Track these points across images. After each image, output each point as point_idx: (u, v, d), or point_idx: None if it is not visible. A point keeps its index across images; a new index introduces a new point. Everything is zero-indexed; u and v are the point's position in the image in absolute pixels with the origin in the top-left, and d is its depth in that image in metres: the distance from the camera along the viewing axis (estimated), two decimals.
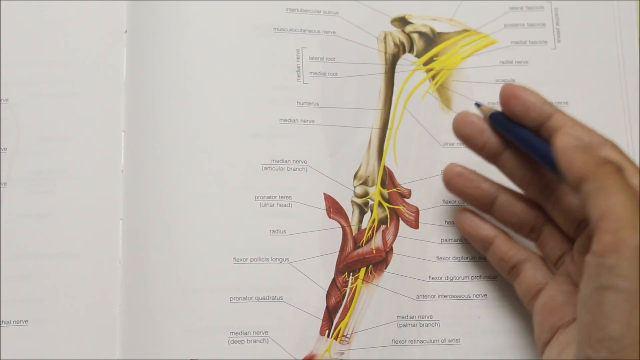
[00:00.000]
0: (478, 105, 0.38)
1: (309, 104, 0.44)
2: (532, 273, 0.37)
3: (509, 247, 0.38)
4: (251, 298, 0.41)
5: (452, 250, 0.43)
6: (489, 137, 0.37)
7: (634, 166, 0.33)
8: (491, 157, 0.38)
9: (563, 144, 0.31)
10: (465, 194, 0.39)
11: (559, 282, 0.36)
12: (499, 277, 0.42)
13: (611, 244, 0.28)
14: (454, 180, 0.39)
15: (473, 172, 0.39)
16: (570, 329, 0.34)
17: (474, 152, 0.38)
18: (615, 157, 0.33)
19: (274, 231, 0.42)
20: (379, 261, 0.42)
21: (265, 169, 0.42)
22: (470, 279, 0.43)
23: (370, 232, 0.43)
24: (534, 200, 0.38)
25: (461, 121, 0.38)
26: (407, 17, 0.46)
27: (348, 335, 0.41)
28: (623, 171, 0.30)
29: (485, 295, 0.42)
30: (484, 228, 0.39)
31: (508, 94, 0.36)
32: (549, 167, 0.34)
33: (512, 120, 0.36)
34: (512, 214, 0.38)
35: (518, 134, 0.36)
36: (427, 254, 0.43)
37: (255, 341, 0.40)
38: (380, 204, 0.43)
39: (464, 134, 0.38)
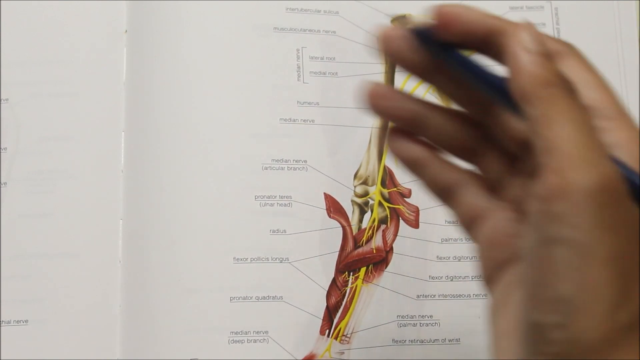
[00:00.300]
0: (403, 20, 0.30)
1: (309, 103, 0.44)
2: (469, 196, 0.31)
3: (444, 168, 0.32)
4: (251, 298, 0.41)
5: (452, 250, 0.43)
6: (421, 52, 0.30)
7: (598, 78, 0.28)
8: (425, 74, 0.31)
9: (513, 48, 0.26)
10: (392, 115, 0.32)
11: (504, 209, 0.31)
12: None
13: (557, 187, 0.23)
14: (378, 103, 0.32)
15: (399, 90, 0.32)
16: (516, 268, 0.29)
17: (404, 70, 0.31)
18: (577, 70, 0.28)
19: (274, 231, 0.42)
20: (379, 261, 0.42)
21: (265, 168, 0.42)
22: (470, 279, 0.42)
23: (371, 231, 0.43)
24: (472, 118, 0.32)
25: (387, 35, 0.30)
26: (407, 16, 0.46)
27: (348, 335, 0.41)
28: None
29: (485, 295, 0.42)
30: (415, 149, 0.32)
31: (445, 21, 0.28)
32: (493, 95, 0.28)
33: (445, 42, 0.28)
34: (446, 134, 0.32)
35: (454, 57, 0.29)
36: (427, 254, 0.43)
37: (255, 341, 0.40)
38: (380, 204, 0.43)
39: (391, 50, 0.30)
